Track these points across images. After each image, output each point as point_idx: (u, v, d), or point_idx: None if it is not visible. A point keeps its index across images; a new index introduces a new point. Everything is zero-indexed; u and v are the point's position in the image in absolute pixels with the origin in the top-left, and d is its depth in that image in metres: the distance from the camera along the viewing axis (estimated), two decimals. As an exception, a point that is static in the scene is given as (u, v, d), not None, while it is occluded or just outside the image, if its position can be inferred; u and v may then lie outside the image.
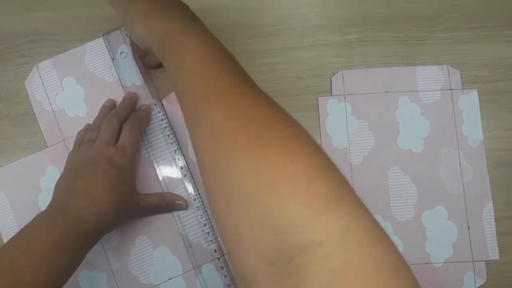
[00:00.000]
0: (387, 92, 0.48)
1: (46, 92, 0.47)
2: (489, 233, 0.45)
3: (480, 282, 0.44)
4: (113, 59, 0.48)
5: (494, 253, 0.45)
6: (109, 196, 0.38)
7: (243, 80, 0.30)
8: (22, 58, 0.49)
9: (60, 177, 0.41)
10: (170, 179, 0.46)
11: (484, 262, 0.45)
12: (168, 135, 0.46)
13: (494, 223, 0.45)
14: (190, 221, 0.45)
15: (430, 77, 0.48)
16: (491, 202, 0.46)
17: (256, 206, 0.22)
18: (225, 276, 0.44)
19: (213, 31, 0.49)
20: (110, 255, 0.44)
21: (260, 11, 0.50)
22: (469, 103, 0.48)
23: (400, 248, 0.45)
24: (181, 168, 0.46)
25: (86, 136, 0.43)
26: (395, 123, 0.47)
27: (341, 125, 0.47)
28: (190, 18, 0.38)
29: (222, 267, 0.44)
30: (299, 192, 0.22)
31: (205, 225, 0.44)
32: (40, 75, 0.48)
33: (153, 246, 0.45)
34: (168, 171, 0.46)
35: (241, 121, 0.26)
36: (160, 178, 0.46)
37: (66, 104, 0.47)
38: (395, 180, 0.46)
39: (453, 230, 0.45)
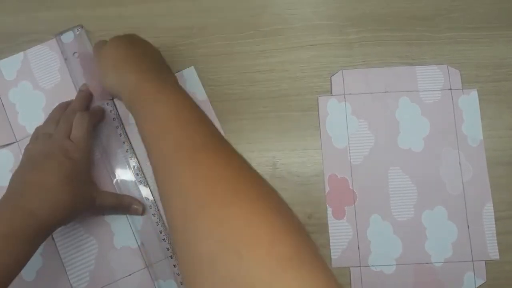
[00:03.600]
0: (387, 92, 0.48)
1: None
2: (489, 233, 0.45)
3: (480, 281, 0.44)
4: (65, 59, 0.48)
5: (494, 253, 0.45)
6: (64, 188, 0.38)
7: (214, 139, 0.30)
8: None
9: (16, 170, 0.41)
10: (124, 181, 0.45)
11: (484, 262, 0.45)
12: (120, 134, 0.46)
13: (494, 222, 0.45)
14: (145, 227, 0.45)
15: (430, 77, 0.48)
16: (491, 202, 0.46)
17: (221, 271, 0.23)
18: (177, 274, 0.44)
19: (213, 31, 0.49)
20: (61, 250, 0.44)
21: (260, 11, 0.50)
22: (469, 103, 0.48)
23: (400, 248, 0.45)
24: (133, 167, 0.45)
25: (43, 130, 0.43)
26: (395, 123, 0.47)
27: (341, 125, 0.47)
28: (163, 70, 0.39)
29: (175, 265, 0.44)
30: (261, 255, 0.22)
31: (160, 232, 0.44)
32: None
33: (105, 248, 0.45)
34: (122, 173, 0.46)
35: (209, 182, 0.26)
36: (114, 181, 0.46)
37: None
38: (395, 180, 0.46)
39: (453, 229, 0.45)
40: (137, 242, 0.45)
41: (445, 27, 0.50)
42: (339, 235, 0.45)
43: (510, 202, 0.46)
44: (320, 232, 0.45)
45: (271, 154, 0.47)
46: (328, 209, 0.46)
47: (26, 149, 0.42)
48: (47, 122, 0.44)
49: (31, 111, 0.47)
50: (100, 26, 0.49)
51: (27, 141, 0.44)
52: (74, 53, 0.48)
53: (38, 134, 0.43)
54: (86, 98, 0.46)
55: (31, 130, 0.45)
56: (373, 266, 0.45)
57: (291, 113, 0.48)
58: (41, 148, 0.41)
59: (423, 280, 0.44)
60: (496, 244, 0.45)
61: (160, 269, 0.44)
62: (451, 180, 0.46)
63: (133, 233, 0.45)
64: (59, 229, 0.43)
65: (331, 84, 0.48)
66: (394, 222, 0.46)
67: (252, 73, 0.49)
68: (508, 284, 0.45)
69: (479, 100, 0.48)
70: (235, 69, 0.49)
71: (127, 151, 0.46)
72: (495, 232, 0.45)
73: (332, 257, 0.45)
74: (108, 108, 0.47)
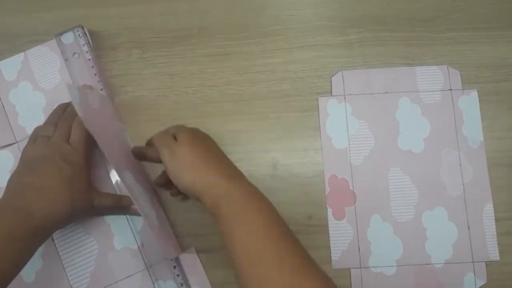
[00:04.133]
0: (387, 92, 0.48)
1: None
2: (489, 234, 0.45)
3: (481, 283, 0.44)
4: (66, 60, 0.47)
5: (494, 254, 0.45)
6: (62, 191, 0.38)
7: (306, 261, 0.32)
8: (22, 58, 0.49)
9: (14, 172, 0.41)
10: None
11: (484, 263, 0.45)
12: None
13: (494, 223, 0.45)
14: (146, 228, 0.44)
15: (430, 78, 0.48)
16: (491, 203, 0.46)
17: None
18: (177, 275, 0.44)
19: (214, 31, 0.49)
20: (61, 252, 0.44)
21: (260, 12, 0.50)
22: (469, 103, 0.48)
23: (400, 249, 0.45)
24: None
25: (41, 132, 0.43)
26: (395, 123, 0.47)
27: (341, 126, 0.47)
28: (230, 164, 0.39)
29: (174, 266, 0.44)
30: None
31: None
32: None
33: (105, 249, 0.44)
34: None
35: None
36: (113, 181, 0.45)
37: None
38: (395, 180, 0.46)
39: (453, 230, 0.45)
40: (137, 243, 0.45)
41: (445, 27, 0.50)
42: (340, 236, 0.45)
43: (510, 203, 0.46)
44: (320, 233, 0.45)
45: (271, 154, 0.47)
46: (328, 210, 0.46)
47: (24, 151, 0.42)
48: (46, 124, 0.44)
49: (31, 112, 0.47)
50: (100, 26, 0.49)
51: (24, 143, 0.44)
52: (74, 53, 0.48)
53: (37, 136, 0.43)
54: None
55: (31, 131, 0.45)
56: (374, 267, 0.45)
57: (291, 113, 0.48)
58: (40, 151, 0.41)
59: (424, 281, 0.44)
60: (497, 245, 0.45)
61: (160, 270, 0.44)
62: (451, 181, 0.46)
63: (133, 234, 0.45)
64: (59, 230, 0.43)
65: (331, 85, 0.48)
66: (394, 223, 0.45)
67: (252, 74, 0.49)
68: (509, 285, 0.44)
69: (479, 100, 0.48)
70: (235, 70, 0.49)
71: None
72: (495, 233, 0.45)
73: (333, 258, 0.45)
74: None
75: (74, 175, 0.40)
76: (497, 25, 0.50)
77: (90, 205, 0.42)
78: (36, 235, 0.37)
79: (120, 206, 0.44)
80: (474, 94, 0.48)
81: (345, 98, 0.48)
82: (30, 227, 0.36)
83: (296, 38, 0.49)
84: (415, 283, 0.44)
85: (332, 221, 0.46)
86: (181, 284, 0.43)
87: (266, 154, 0.47)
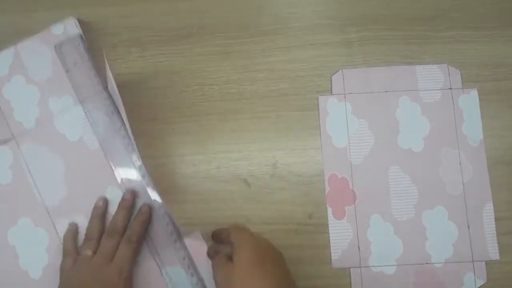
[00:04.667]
0: (387, 91, 0.48)
1: None
2: (489, 233, 0.45)
3: (480, 282, 0.44)
4: (67, 72, 0.47)
5: (494, 253, 0.45)
6: None
7: None
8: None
9: None
10: (129, 180, 0.45)
11: (484, 262, 0.45)
12: (123, 134, 0.45)
13: (494, 223, 0.45)
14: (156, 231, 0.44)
15: (430, 76, 0.48)
16: (491, 202, 0.46)
17: None
18: (184, 258, 0.43)
19: (213, 29, 0.49)
20: None
21: (260, 11, 0.50)
22: (469, 102, 0.48)
23: (400, 248, 0.45)
24: (140, 167, 0.45)
25: (82, 248, 0.42)
26: (395, 122, 0.47)
27: (341, 124, 0.47)
28: (292, 281, 0.36)
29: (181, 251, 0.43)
30: None
31: (164, 216, 0.44)
32: None
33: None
34: (127, 172, 0.45)
35: None
36: (118, 180, 0.45)
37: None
38: (395, 179, 0.46)
39: (453, 230, 0.45)
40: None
41: (445, 26, 0.50)
42: (339, 235, 0.45)
43: (511, 202, 0.46)
44: (320, 232, 0.45)
45: (271, 153, 0.47)
46: (328, 209, 0.46)
47: (64, 271, 0.41)
48: (87, 239, 0.43)
49: (26, 106, 0.47)
50: (99, 25, 0.49)
51: (24, 137, 0.44)
52: (75, 64, 0.47)
53: (72, 249, 0.42)
54: (130, 208, 0.44)
55: (27, 125, 0.44)
56: (374, 266, 0.45)
57: (291, 112, 0.48)
58: (84, 274, 0.40)
59: (424, 281, 0.44)
60: (497, 244, 0.45)
61: (167, 256, 0.43)
62: (451, 180, 0.46)
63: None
64: (64, 225, 0.43)
65: (331, 84, 0.48)
66: (394, 222, 0.45)
67: (252, 73, 0.49)
68: (509, 284, 0.44)
69: (479, 99, 0.48)
70: (235, 68, 0.49)
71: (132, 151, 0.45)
72: (495, 232, 0.45)
73: (332, 257, 0.45)
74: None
75: None
76: (497, 24, 0.50)
77: None
78: None
79: None
80: (474, 93, 0.48)
81: (345, 97, 0.48)
82: None
83: (296, 36, 0.49)
84: (415, 282, 0.44)
85: (332, 220, 0.45)
86: (188, 267, 0.43)
87: (266, 153, 0.47)
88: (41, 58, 0.47)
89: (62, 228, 0.44)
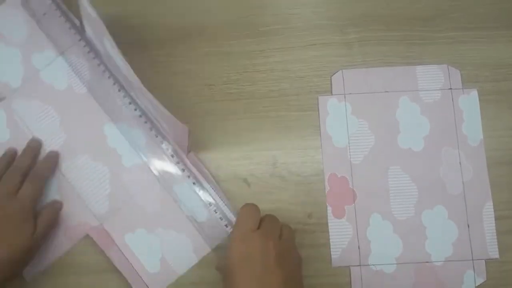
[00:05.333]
0: (387, 91, 0.48)
1: None
2: (489, 232, 0.45)
3: (480, 280, 0.44)
4: (38, 22, 0.48)
5: (494, 252, 0.45)
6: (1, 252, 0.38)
7: None
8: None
9: None
10: (119, 116, 0.47)
11: (484, 261, 0.45)
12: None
13: (494, 222, 0.45)
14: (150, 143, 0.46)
15: (430, 77, 0.48)
16: (491, 201, 0.46)
17: None
18: (188, 176, 0.45)
19: (213, 30, 0.50)
20: None
21: (260, 11, 0.50)
22: (469, 102, 0.48)
23: (400, 247, 0.45)
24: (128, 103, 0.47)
25: None
26: (395, 122, 0.47)
27: (341, 125, 0.48)
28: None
29: (183, 169, 0.46)
30: None
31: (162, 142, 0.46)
32: None
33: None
34: (116, 111, 0.47)
35: None
36: (111, 118, 0.47)
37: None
38: (395, 179, 0.46)
39: (453, 229, 0.45)
40: (142, 158, 0.46)
41: (445, 27, 0.50)
42: (339, 235, 0.45)
43: (510, 202, 0.46)
44: (320, 231, 0.45)
45: (271, 153, 0.47)
46: (328, 208, 0.46)
47: None
48: None
49: (10, 67, 0.48)
50: (100, 26, 0.50)
51: (13, 95, 0.46)
52: (44, 14, 0.48)
53: None
54: (33, 155, 0.45)
55: (14, 85, 0.47)
56: (373, 265, 0.45)
57: (291, 112, 0.48)
58: None
59: (424, 279, 0.44)
60: (496, 243, 0.45)
61: (171, 176, 0.45)
62: (451, 179, 0.46)
63: (138, 151, 0.46)
64: (69, 169, 0.46)
65: (331, 84, 0.48)
66: (394, 221, 0.46)
67: (252, 73, 0.49)
68: (509, 283, 0.44)
69: (479, 100, 0.48)
70: (235, 69, 0.49)
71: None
72: (495, 231, 0.45)
73: (332, 256, 0.45)
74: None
75: (13, 233, 0.39)
76: (497, 25, 0.50)
77: (35, 244, 0.41)
78: None
79: (53, 218, 0.44)
80: (474, 93, 0.48)
81: (345, 97, 0.48)
82: None
83: (296, 37, 0.49)
84: (415, 281, 0.44)
85: (331, 220, 0.46)
86: (194, 184, 0.45)
87: (266, 152, 0.47)
88: (15, 20, 0.49)
89: (69, 173, 0.46)
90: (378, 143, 0.47)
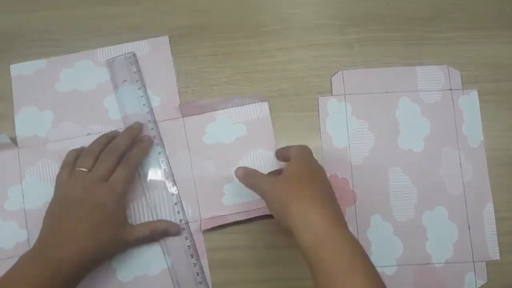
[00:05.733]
0: (387, 92, 0.48)
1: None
2: (489, 234, 0.45)
3: (481, 282, 0.44)
4: (115, 87, 0.47)
5: (494, 254, 0.45)
6: (92, 237, 0.38)
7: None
8: (22, 57, 0.49)
9: (50, 207, 0.41)
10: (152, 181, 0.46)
11: (484, 263, 0.45)
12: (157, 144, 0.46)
13: (494, 223, 0.45)
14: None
15: (431, 77, 0.48)
16: (492, 202, 0.46)
17: None
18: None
19: (214, 31, 0.49)
20: None
21: (260, 11, 0.50)
22: (469, 103, 0.48)
23: (400, 248, 0.45)
24: (165, 171, 0.46)
25: (79, 164, 0.42)
26: (395, 123, 0.47)
27: (341, 125, 0.47)
28: (343, 220, 0.36)
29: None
30: None
31: (186, 239, 0.44)
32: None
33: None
34: (152, 174, 0.46)
35: None
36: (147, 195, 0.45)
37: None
38: (395, 180, 0.46)
39: (454, 230, 0.45)
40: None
41: (445, 27, 0.50)
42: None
43: (511, 203, 0.46)
44: (320, 233, 0.45)
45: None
46: (328, 210, 0.46)
47: (59, 182, 0.42)
48: (85, 154, 0.42)
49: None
50: (99, 25, 0.49)
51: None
52: (124, 81, 0.47)
53: (71, 163, 0.42)
54: (132, 138, 0.44)
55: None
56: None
57: (291, 113, 0.48)
58: (77, 190, 0.40)
59: (424, 281, 0.44)
60: (497, 244, 0.45)
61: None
62: (451, 180, 0.46)
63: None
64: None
65: (331, 84, 0.48)
66: (394, 223, 0.45)
67: (252, 73, 0.49)
68: (509, 284, 0.44)
69: (480, 100, 0.48)
70: (235, 69, 0.49)
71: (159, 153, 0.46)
72: (495, 232, 0.45)
73: (333, 257, 0.45)
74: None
75: (105, 219, 0.39)
76: (497, 25, 0.50)
77: (124, 243, 0.42)
78: (68, 281, 0.37)
79: (158, 232, 0.43)
80: (474, 94, 0.48)
81: (345, 98, 0.48)
82: (63, 276, 0.36)
83: (296, 37, 0.49)
84: (416, 283, 0.44)
85: (332, 221, 0.45)
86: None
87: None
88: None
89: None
90: (378, 144, 0.47)
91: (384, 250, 0.45)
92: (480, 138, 0.47)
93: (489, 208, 0.46)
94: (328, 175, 0.46)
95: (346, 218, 0.45)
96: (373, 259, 0.44)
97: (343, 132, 0.47)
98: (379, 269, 0.44)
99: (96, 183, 0.40)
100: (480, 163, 0.47)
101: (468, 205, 0.46)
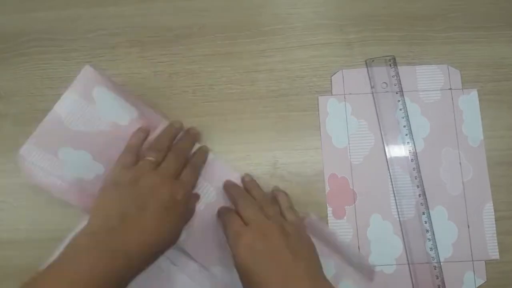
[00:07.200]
0: (387, 91, 0.48)
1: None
2: (489, 233, 0.45)
3: (480, 281, 0.44)
4: (372, 87, 0.48)
5: (494, 253, 0.45)
6: (159, 231, 0.37)
7: None
8: (22, 57, 0.49)
9: (115, 190, 0.38)
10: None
11: (484, 262, 0.45)
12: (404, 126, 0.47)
13: (494, 222, 0.45)
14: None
15: (430, 77, 0.48)
16: (491, 202, 0.46)
17: None
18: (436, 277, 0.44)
19: (213, 30, 0.49)
20: None
21: (260, 11, 0.50)
22: (469, 102, 0.48)
23: (400, 247, 0.45)
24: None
25: (149, 154, 0.40)
26: (395, 123, 0.47)
27: (341, 125, 0.47)
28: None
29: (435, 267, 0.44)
30: None
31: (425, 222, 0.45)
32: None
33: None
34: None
35: None
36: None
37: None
38: (395, 179, 0.46)
39: (453, 229, 0.45)
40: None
41: (445, 26, 0.50)
42: (340, 235, 0.45)
43: (510, 202, 0.46)
44: (320, 232, 0.45)
45: (271, 153, 0.47)
46: (328, 209, 0.46)
47: (124, 165, 0.40)
48: (156, 146, 0.42)
49: None
50: (99, 25, 0.49)
51: None
52: (383, 83, 0.47)
53: (136, 150, 0.41)
54: (194, 139, 0.46)
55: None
56: (374, 265, 0.45)
57: (291, 113, 0.48)
58: (148, 180, 0.38)
59: (423, 280, 0.44)
60: (496, 244, 0.45)
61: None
62: (451, 180, 0.46)
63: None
64: None
65: (331, 84, 0.48)
66: (394, 222, 0.45)
67: (252, 73, 0.49)
68: (509, 284, 0.45)
69: (479, 100, 0.48)
70: (235, 69, 0.49)
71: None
72: (495, 232, 0.45)
73: (332, 257, 0.45)
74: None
75: (176, 212, 0.38)
76: (497, 25, 0.50)
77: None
78: (132, 272, 0.35)
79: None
80: (474, 94, 0.48)
81: (345, 97, 0.48)
82: (127, 267, 0.34)
83: (296, 37, 0.49)
84: (415, 282, 0.44)
85: (332, 220, 0.46)
86: (439, 286, 0.44)
87: (266, 153, 0.47)
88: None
89: None
90: (378, 143, 0.47)
91: (384, 249, 0.45)
92: (480, 137, 0.47)
93: (489, 207, 0.46)
94: (328, 174, 0.47)
95: (345, 217, 0.46)
96: (373, 258, 0.45)
97: (343, 131, 0.47)
98: (378, 268, 0.45)
99: (170, 179, 0.39)
100: (480, 162, 0.47)
101: (468, 204, 0.46)
